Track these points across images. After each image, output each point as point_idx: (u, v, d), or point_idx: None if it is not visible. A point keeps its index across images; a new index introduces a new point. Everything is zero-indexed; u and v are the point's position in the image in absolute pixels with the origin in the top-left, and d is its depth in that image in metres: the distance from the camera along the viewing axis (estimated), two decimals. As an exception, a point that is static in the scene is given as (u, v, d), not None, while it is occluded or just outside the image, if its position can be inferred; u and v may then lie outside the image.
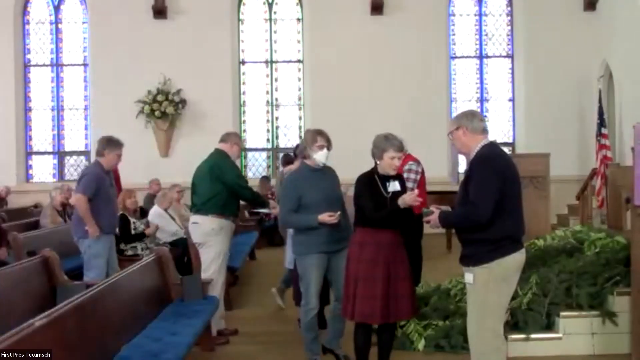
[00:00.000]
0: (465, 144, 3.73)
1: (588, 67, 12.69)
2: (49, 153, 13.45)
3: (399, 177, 4.43)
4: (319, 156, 4.70)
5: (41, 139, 13.46)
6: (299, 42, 13.50)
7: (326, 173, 4.82)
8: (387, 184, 4.28)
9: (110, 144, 6.24)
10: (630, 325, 4.92)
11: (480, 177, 3.57)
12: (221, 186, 5.52)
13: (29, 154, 13.37)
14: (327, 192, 4.66)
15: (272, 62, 13.56)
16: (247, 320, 6.30)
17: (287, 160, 8.28)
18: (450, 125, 3.87)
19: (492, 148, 3.71)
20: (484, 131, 3.73)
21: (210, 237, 5.50)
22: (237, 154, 5.95)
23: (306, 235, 4.62)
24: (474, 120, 3.73)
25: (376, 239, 4.21)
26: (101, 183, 6.02)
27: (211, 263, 5.54)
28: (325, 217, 4.46)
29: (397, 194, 4.22)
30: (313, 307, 4.62)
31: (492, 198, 3.52)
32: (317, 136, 4.73)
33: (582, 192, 10.30)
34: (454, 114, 12.90)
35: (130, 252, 7.40)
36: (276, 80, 13.58)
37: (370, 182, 4.28)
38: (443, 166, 12.67)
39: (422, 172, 6.85)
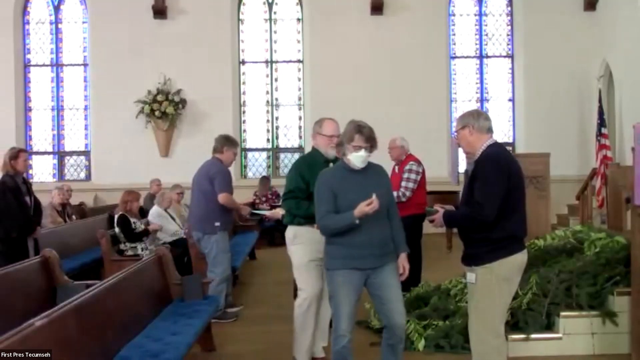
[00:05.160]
0: (471, 144, 3.73)
1: (588, 67, 12.69)
2: (49, 153, 13.46)
3: None
4: (354, 158, 3.90)
5: (41, 139, 13.47)
6: (299, 42, 13.50)
7: (369, 174, 3.98)
8: None
9: (228, 142, 6.43)
10: (630, 325, 4.92)
11: (486, 177, 3.57)
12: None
13: (29, 154, 13.31)
14: (367, 195, 3.73)
15: (272, 62, 13.56)
16: (247, 320, 6.30)
17: None
18: (456, 125, 3.87)
19: (498, 148, 3.71)
20: (490, 130, 3.73)
21: (289, 246, 4.76)
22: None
23: (337, 246, 3.90)
24: (479, 119, 3.73)
25: None
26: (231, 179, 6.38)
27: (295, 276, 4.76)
28: (363, 207, 3.68)
29: None
30: (342, 333, 3.86)
31: (497, 198, 3.52)
32: (354, 134, 3.89)
33: (582, 192, 10.30)
34: (454, 114, 12.99)
35: (130, 252, 7.41)
36: (276, 80, 13.59)
37: None
38: (443, 166, 12.68)
39: (423, 172, 6.87)
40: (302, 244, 4.59)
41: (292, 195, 4.61)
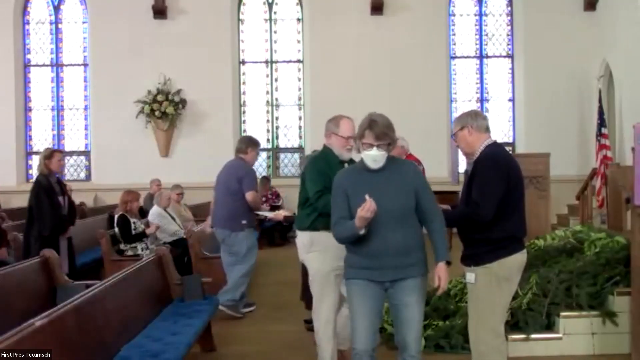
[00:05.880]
0: (471, 144, 3.73)
1: (588, 67, 12.68)
2: (49, 153, 13.43)
3: None
4: (365, 157, 3.45)
5: (41, 139, 13.46)
6: (299, 42, 13.50)
7: (390, 174, 3.47)
8: None
9: (252, 143, 6.59)
10: (630, 325, 4.92)
11: (484, 176, 3.57)
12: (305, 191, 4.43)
13: (29, 153, 13.35)
14: (383, 198, 3.30)
15: (272, 62, 13.56)
16: (247, 320, 6.30)
17: None
18: (454, 127, 3.87)
19: (497, 148, 3.71)
20: (487, 129, 3.74)
21: (303, 254, 4.41)
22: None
23: (352, 254, 3.52)
24: (477, 118, 3.74)
25: None
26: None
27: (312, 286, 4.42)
28: (362, 212, 3.21)
29: None
30: (358, 350, 3.45)
31: (495, 198, 3.52)
32: (364, 130, 3.44)
33: (582, 192, 10.30)
34: (454, 114, 12.99)
35: (130, 252, 7.41)
36: (276, 80, 13.58)
37: None
38: (443, 166, 12.68)
39: (423, 172, 6.88)
40: (321, 251, 4.20)
41: (322, 193, 4.16)
